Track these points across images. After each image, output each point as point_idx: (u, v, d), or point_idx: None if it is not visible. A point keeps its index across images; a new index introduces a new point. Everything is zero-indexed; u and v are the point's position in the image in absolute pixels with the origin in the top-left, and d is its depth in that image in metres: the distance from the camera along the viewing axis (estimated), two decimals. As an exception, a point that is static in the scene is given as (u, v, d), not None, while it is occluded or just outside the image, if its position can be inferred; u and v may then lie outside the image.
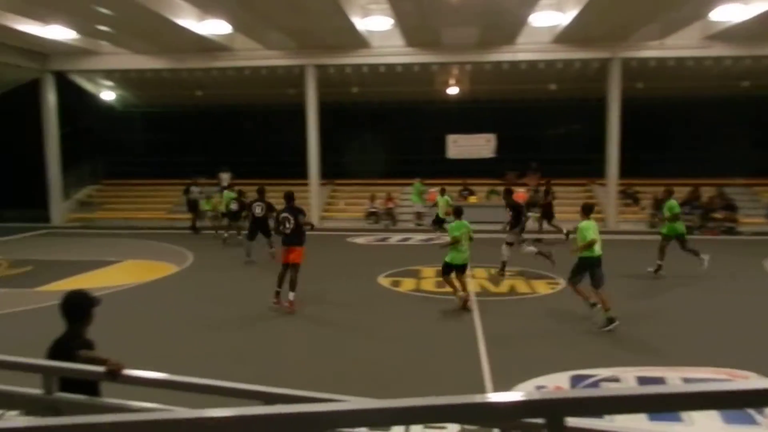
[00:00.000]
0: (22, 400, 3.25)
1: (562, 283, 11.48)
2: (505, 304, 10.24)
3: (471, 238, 9.75)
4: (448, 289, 9.83)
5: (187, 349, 7.77)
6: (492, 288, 11.33)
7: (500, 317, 9.37)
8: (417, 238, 17.85)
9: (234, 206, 16.83)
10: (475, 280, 11.80)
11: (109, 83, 22.59)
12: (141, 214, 20.96)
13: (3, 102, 21.42)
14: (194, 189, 19.42)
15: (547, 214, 16.39)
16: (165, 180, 22.98)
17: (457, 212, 9.97)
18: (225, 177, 20.99)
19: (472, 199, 20.65)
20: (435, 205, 18.07)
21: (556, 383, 6.42)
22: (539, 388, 6.30)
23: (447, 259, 9.65)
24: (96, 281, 12.28)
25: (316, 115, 19.99)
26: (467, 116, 22.69)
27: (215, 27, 16.64)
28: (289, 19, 15.85)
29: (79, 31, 17.79)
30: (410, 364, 7.32)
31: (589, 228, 8.61)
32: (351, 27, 16.24)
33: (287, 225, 9.66)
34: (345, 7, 14.66)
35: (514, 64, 19.04)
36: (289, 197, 10.10)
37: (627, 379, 6.52)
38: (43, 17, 16.23)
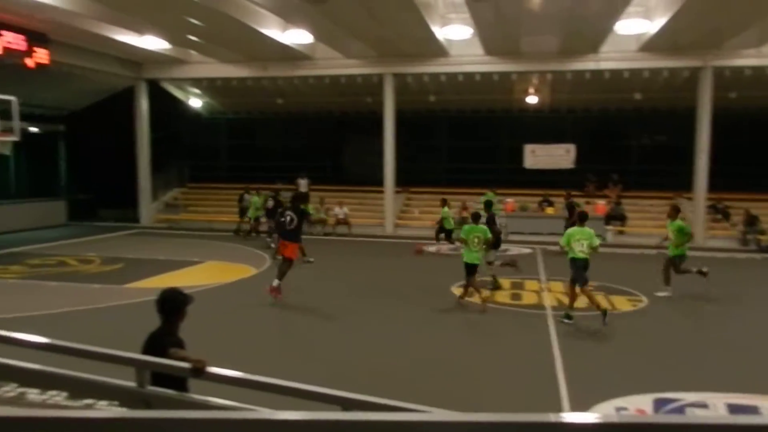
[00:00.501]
0: (116, 391, 3.43)
1: (645, 300, 11.04)
2: (584, 320, 9.93)
3: (486, 242, 10.46)
4: (524, 301, 9.73)
5: (266, 348, 7.98)
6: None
7: (578, 333, 9.10)
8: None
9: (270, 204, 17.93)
10: (552, 294, 11.52)
11: (197, 91, 23.62)
12: (222, 217, 21.73)
13: (100, 108, 22.87)
14: (246, 197, 20.11)
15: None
16: (246, 185, 23.73)
17: (475, 217, 10.85)
18: (303, 183, 21.48)
19: (549, 210, 20.20)
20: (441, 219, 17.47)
21: (638, 406, 6.16)
22: (619, 410, 6.06)
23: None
24: (180, 280, 12.83)
25: (393, 123, 20.15)
26: (546, 125, 22.26)
27: (298, 37, 17.09)
28: (370, 29, 16.08)
29: (171, 42, 18.72)
30: (485, 376, 7.22)
31: (574, 234, 9.52)
32: (431, 36, 16.29)
33: (291, 223, 10.72)
34: (426, 17, 14.72)
35: (597, 72, 18.51)
36: (298, 197, 11.67)
37: (716, 406, 6.17)
38: (139, 28, 17.19)
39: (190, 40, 18.07)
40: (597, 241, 9.64)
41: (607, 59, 18.06)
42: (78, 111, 22.96)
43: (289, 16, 15.63)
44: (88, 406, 3.61)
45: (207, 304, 10.25)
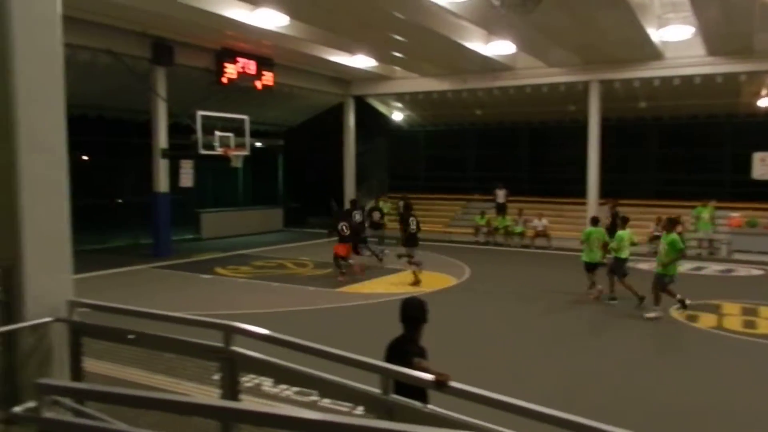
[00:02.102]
0: (361, 396, 3.62)
1: None
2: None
3: (606, 245, 11.45)
4: (758, 330, 8.65)
5: (490, 361, 7.87)
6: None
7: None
8: (712, 268, 15.89)
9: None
10: (795, 324, 10.06)
11: (399, 105, 24.62)
12: (421, 227, 22.26)
13: (313, 124, 24.86)
14: (399, 203, 20.32)
15: None
16: (444, 195, 24.22)
17: (594, 221, 12.20)
18: (500, 194, 21.29)
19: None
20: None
21: None
22: None
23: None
24: (388, 287, 13.41)
25: (598, 132, 19.16)
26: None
27: (500, 48, 17.01)
28: (576, 36, 15.49)
29: (377, 59, 19.75)
30: (718, 412, 6.48)
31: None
32: (644, 39, 15.23)
33: (344, 230, 13.91)
34: (640, 19, 13.79)
35: None
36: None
37: None
38: (350, 48, 18.38)
39: (395, 56, 18.91)
40: None
41: None
42: (294, 127, 25.20)
43: (493, 28, 15.63)
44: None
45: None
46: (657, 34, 15.55)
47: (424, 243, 20.20)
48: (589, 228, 11.96)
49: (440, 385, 3.41)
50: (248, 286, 13.45)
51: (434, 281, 14.06)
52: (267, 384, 6.39)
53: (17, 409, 3.28)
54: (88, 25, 13.70)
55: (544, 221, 19.82)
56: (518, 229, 20.04)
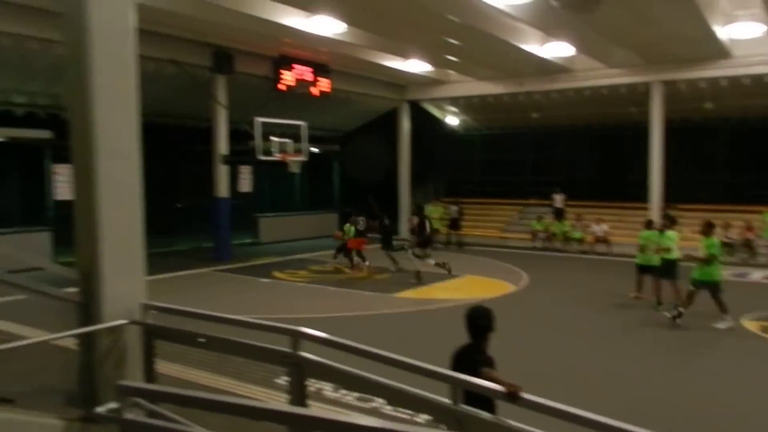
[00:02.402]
0: (430, 405, 3.59)
1: None
2: None
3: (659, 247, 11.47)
4: None
5: (555, 371, 7.68)
6: None
7: None
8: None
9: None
10: None
11: (454, 109, 24.48)
12: (475, 231, 22.11)
13: (367, 129, 24.99)
14: (453, 208, 20.63)
15: None
16: (499, 199, 23.94)
17: (648, 224, 12.41)
18: (558, 198, 20.88)
19: None
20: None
21: None
22: None
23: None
24: (445, 292, 13.33)
25: (661, 134, 18.56)
26: None
27: (558, 49, 16.70)
28: (638, 35, 15.04)
29: (432, 63, 19.70)
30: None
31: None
32: (710, 37, 14.66)
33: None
34: (705, 16, 13.29)
35: None
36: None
37: None
38: (405, 53, 18.40)
39: (450, 60, 18.82)
40: None
41: None
42: (350, 132, 25.39)
43: (551, 30, 15.35)
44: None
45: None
46: (723, 32, 14.95)
47: (478, 248, 20.17)
48: (645, 231, 12.09)
49: (512, 396, 3.35)
50: (306, 291, 13.61)
51: (491, 287, 13.90)
52: (327, 388, 6.43)
53: (100, 409, 3.40)
54: (153, 36, 14.16)
55: (604, 226, 19.31)
56: (577, 234, 19.61)
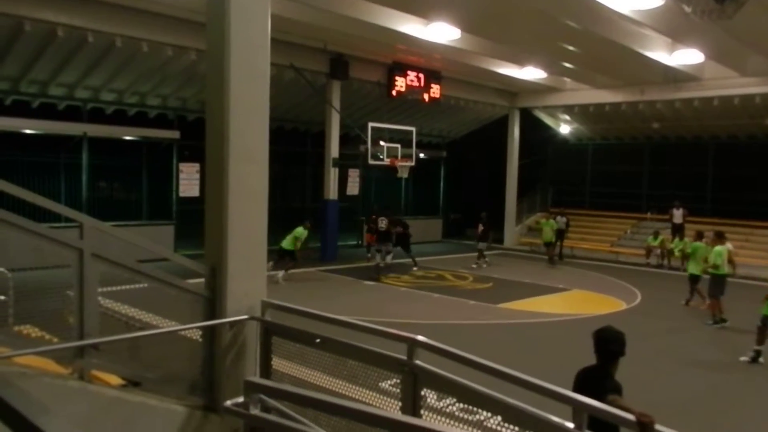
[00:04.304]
0: (551, 428, 3.45)
1: None
2: None
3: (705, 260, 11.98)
4: None
5: (684, 401, 7.23)
6: None
7: None
8: None
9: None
10: None
11: (567, 117, 23.71)
12: (583, 244, 21.29)
13: (475, 136, 24.81)
14: (559, 219, 19.79)
15: None
16: (610, 212, 22.90)
17: (698, 236, 13.18)
18: (677, 214, 19.62)
19: None
20: None
21: None
22: None
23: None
24: (550, 306, 12.94)
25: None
26: None
27: (686, 57, 15.73)
28: (779, 41, 13.90)
29: (547, 71, 19.18)
30: None
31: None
32: None
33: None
34: None
35: None
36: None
37: None
38: (520, 60, 18.05)
39: (565, 67, 18.25)
40: None
41: None
42: (457, 139, 25.29)
43: (680, 36, 14.49)
44: None
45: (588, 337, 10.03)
46: None
47: (585, 262, 19.37)
48: (695, 243, 13.01)
49: (643, 426, 3.16)
50: (410, 296, 13.66)
51: (600, 303, 13.33)
52: (431, 397, 6.38)
53: (228, 403, 3.55)
54: (275, 44, 14.76)
55: (729, 246, 17.90)
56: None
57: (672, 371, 8.70)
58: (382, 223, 15.80)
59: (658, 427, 3.15)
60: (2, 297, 5.55)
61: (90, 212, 12.80)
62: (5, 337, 4.84)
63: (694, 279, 12.79)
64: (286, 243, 14.53)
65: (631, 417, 3.23)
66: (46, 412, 1.75)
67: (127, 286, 5.16)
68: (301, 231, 14.61)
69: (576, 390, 3.74)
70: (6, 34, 12.58)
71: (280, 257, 14.43)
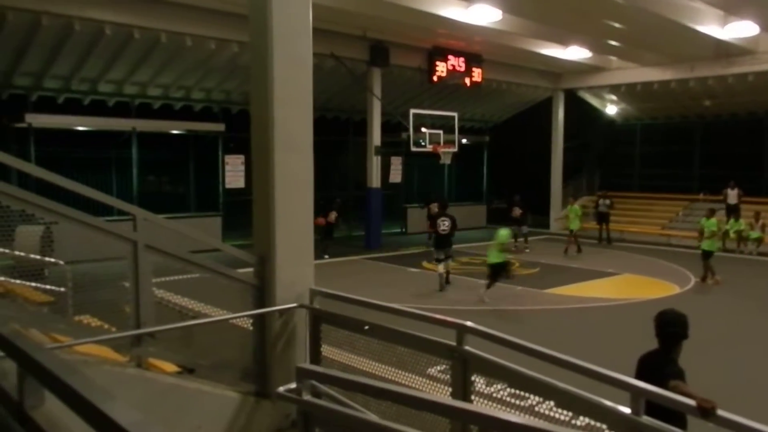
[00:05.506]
0: (609, 415, 3.38)
1: None
2: None
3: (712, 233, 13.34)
4: None
5: (745, 386, 6.99)
6: None
7: None
8: None
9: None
10: None
11: (614, 97, 23.09)
12: (632, 228, 20.77)
13: (518, 120, 24.43)
14: (602, 202, 19.47)
15: None
16: (661, 194, 22.26)
17: (710, 213, 13.65)
18: (731, 194, 18.93)
19: None
20: None
21: None
22: None
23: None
24: (599, 290, 12.69)
25: None
26: None
27: (740, 29, 15.08)
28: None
29: (592, 50, 18.69)
30: None
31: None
32: None
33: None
34: None
35: None
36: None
37: None
38: (563, 40, 17.64)
39: (611, 46, 17.73)
40: None
41: None
42: (500, 123, 24.93)
43: (734, 7, 13.92)
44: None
45: (641, 321, 9.79)
46: None
47: (635, 245, 18.88)
48: (704, 219, 13.65)
49: (705, 412, 3.06)
50: (455, 282, 13.58)
51: (652, 287, 12.99)
52: (480, 382, 6.34)
53: (281, 389, 3.60)
54: (315, 33, 14.80)
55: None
56: (755, 234, 17.67)
57: (732, 353, 8.41)
58: (444, 224, 13.07)
59: (720, 412, 3.05)
60: (62, 288, 5.76)
61: (140, 206, 13.10)
62: (66, 326, 5.02)
63: (705, 255, 13.37)
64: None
65: (691, 402, 3.13)
66: (110, 399, 1.80)
67: (179, 277, 5.28)
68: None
69: (637, 376, 3.66)
70: (57, 34, 12.97)
71: None
